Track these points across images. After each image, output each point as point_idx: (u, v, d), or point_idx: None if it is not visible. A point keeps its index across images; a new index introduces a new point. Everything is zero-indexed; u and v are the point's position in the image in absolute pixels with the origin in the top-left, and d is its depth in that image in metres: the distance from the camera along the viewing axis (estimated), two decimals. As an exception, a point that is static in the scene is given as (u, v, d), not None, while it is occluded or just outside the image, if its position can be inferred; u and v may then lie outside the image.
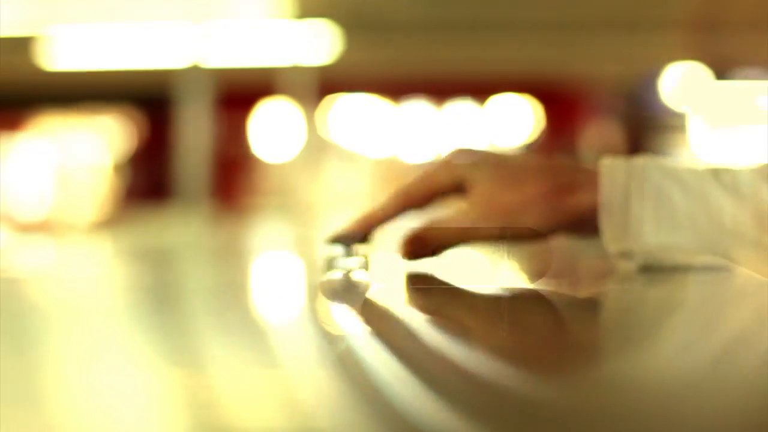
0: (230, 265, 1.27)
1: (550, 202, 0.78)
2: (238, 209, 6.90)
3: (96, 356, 0.47)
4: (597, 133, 9.85)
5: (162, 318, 0.63)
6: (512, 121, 9.76)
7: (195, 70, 6.17)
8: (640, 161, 0.80)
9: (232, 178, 8.87)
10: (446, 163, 0.82)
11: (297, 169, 7.46)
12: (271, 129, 9.43)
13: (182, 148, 6.27)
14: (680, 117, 9.66)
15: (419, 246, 0.80)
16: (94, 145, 10.22)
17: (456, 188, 0.81)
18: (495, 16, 6.79)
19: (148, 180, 9.72)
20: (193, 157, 6.17)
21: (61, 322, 0.61)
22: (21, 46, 7.37)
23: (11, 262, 1.32)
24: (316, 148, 7.74)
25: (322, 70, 7.13)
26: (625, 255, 0.78)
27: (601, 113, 9.91)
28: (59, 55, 7.52)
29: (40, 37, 7.24)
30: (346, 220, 0.83)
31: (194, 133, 6.18)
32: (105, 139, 10.23)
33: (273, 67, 7.06)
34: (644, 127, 9.97)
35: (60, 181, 10.18)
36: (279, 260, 1.33)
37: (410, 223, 0.83)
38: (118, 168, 10.19)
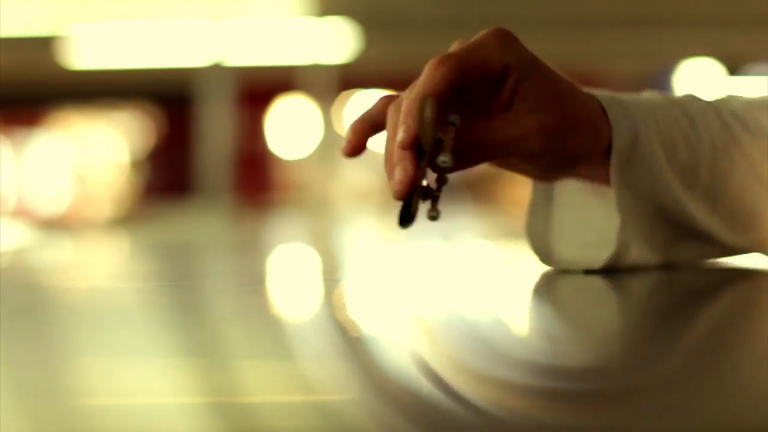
0: (254, 258, 1.28)
1: (593, 127, 0.69)
2: (256, 205, 6.94)
3: (119, 351, 0.47)
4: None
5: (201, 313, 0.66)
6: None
7: (216, 68, 6.21)
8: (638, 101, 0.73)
9: (251, 174, 8.89)
10: (489, 42, 0.67)
11: (313, 165, 7.49)
12: (289, 125, 9.45)
13: (203, 144, 6.31)
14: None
15: (466, 149, 0.65)
16: (113, 142, 10.24)
17: (501, 73, 0.67)
18: (510, 13, 6.80)
19: (167, 176, 9.75)
20: (214, 153, 6.20)
21: (80, 316, 0.61)
22: (43, 44, 7.40)
23: (31, 257, 1.32)
24: (333, 144, 7.77)
25: (341, 68, 7.15)
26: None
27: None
28: (81, 53, 7.55)
29: (61, 35, 7.27)
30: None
31: (215, 130, 6.21)
32: (125, 136, 10.24)
33: (293, 65, 7.09)
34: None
35: (79, 177, 10.21)
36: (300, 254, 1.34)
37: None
38: (138, 165, 10.20)
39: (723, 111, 0.78)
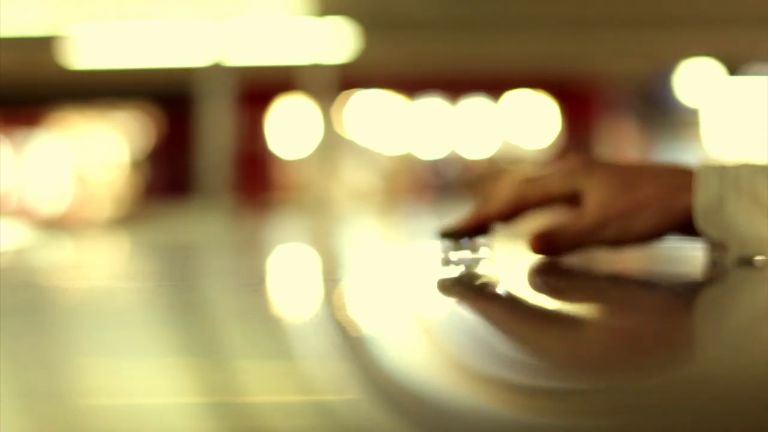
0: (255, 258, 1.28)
1: (662, 205, 0.81)
2: (256, 205, 6.94)
3: (119, 351, 0.47)
4: (611, 129, 9.84)
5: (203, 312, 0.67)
6: (526, 118, 9.75)
7: (216, 68, 6.21)
8: (733, 164, 0.82)
9: (252, 174, 8.89)
10: (563, 171, 0.84)
11: (313, 165, 7.49)
12: (289, 125, 9.45)
13: (203, 144, 6.31)
14: (693, 113, 9.63)
15: (549, 243, 0.82)
16: (113, 142, 10.24)
17: (569, 196, 0.84)
18: (510, 13, 6.80)
19: (167, 176, 9.76)
20: (214, 153, 6.21)
21: (80, 316, 0.61)
22: (43, 44, 7.40)
23: (31, 257, 1.32)
24: (333, 144, 7.77)
25: (341, 68, 7.15)
26: (722, 248, 0.81)
27: (615, 109, 9.89)
28: (81, 53, 7.55)
29: (62, 35, 7.28)
30: (460, 215, 0.84)
31: (215, 130, 6.22)
32: (125, 136, 10.25)
33: (293, 65, 7.09)
34: (658, 123, 9.95)
35: (79, 177, 10.21)
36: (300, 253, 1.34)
37: (535, 221, 0.84)
38: (138, 165, 10.20)
39: None
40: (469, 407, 0.36)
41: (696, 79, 9.09)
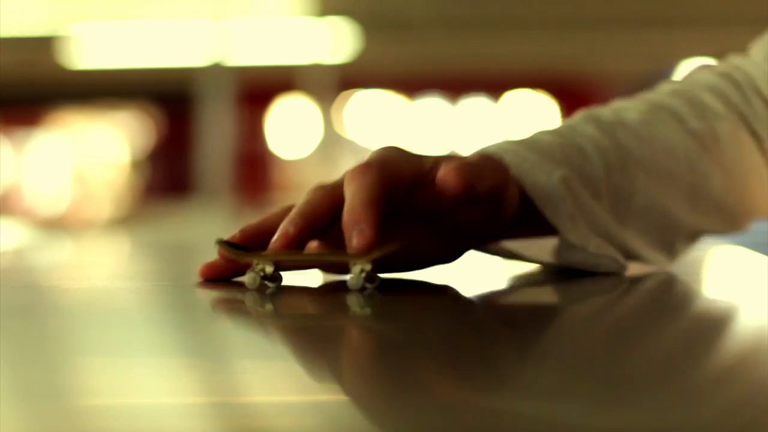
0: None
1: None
2: (256, 205, 6.94)
3: (119, 351, 0.47)
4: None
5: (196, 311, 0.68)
6: (526, 118, 9.76)
7: (216, 68, 6.21)
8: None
9: (252, 174, 8.90)
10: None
11: (313, 165, 7.49)
12: (289, 125, 9.45)
13: (203, 144, 6.31)
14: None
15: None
16: (113, 142, 10.24)
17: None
18: (511, 13, 6.80)
19: (167, 176, 9.76)
20: (214, 153, 6.21)
21: (80, 316, 0.60)
22: (43, 44, 7.41)
23: (31, 257, 1.32)
24: (333, 144, 7.78)
25: (341, 68, 7.16)
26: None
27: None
28: (81, 53, 7.55)
29: (62, 35, 7.28)
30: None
31: (215, 130, 6.22)
32: (125, 136, 10.25)
33: (293, 65, 7.10)
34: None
35: (79, 177, 10.21)
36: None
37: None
38: (138, 164, 10.21)
39: (616, 128, 0.76)
40: (468, 407, 0.36)
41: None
